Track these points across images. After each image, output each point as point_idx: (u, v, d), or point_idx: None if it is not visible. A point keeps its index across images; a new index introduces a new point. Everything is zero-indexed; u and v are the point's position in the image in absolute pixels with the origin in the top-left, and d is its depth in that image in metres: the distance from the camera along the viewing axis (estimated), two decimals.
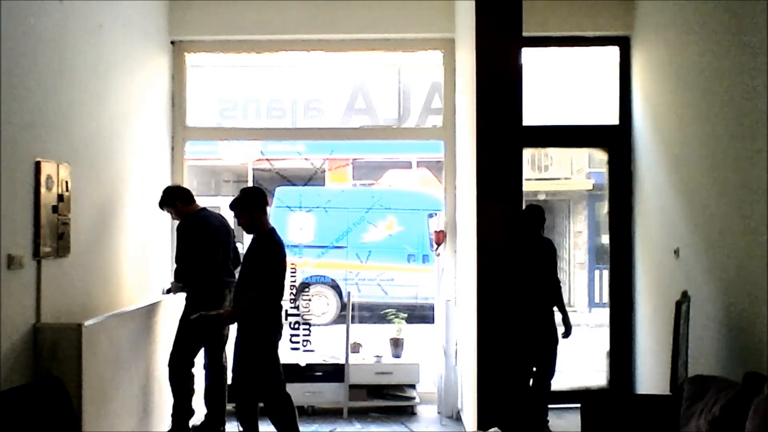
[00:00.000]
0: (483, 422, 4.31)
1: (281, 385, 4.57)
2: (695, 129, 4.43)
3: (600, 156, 6.63)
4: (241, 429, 4.57)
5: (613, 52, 5.88)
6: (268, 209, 4.72)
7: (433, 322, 6.54)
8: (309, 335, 6.18)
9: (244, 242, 9.09)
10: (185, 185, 5.75)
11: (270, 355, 4.53)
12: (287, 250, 4.71)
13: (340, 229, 9.98)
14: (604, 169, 6.10)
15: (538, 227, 5.31)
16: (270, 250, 4.52)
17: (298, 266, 6.49)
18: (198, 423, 5.09)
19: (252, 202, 4.59)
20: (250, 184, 11.43)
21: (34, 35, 3.74)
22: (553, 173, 13.09)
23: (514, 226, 4.76)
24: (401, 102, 6.93)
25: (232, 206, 4.63)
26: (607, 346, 5.96)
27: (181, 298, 5.03)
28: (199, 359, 5.05)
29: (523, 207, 4.90)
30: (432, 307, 6.75)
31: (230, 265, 5.16)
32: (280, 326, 4.67)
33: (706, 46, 4.24)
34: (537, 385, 5.15)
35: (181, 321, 4.93)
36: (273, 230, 4.63)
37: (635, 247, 5.73)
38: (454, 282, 6.03)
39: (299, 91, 7.81)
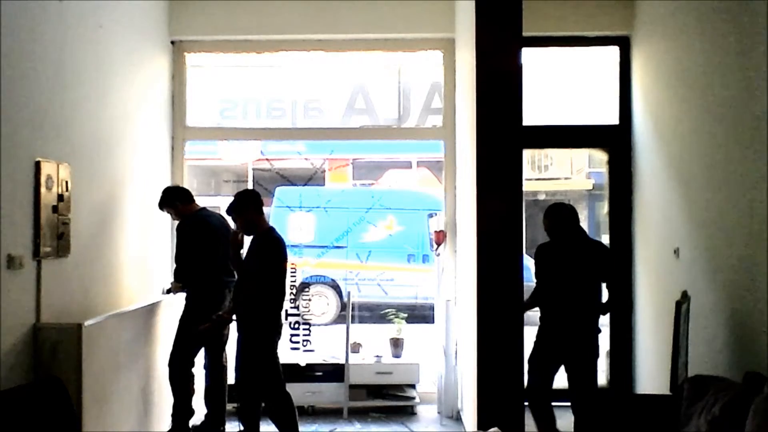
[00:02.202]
0: (483, 422, 4.31)
1: (281, 384, 4.57)
2: (695, 129, 4.43)
3: (600, 156, 6.62)
4: (242, 428, 4.57)
5: (613, 52, 5.88)
6: (265, 209, 4.71)
7: (433, 322, 6.54)
8: (309, 335, 6.18)
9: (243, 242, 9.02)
10: (185, 185, 5.75)
11: (269, 355, 4.53)
12: (287, 250, 4.71)
13: (340, 229, 9.95)
14: (604, 169, 6.10)
15: (566, 226, 4.69)
16: (268, 249, 4.53)
17: (298, 266, 6.49)
18: (198, 423, 5.10)
19: (247, 205, 4.58)
20: (250, 184, 11.44)
21: (34, 35, 3.74)
22: (553, 173, 13.10)
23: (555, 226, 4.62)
24: (401, 102, 6.93)
25: (229, 211, 4.62)
26: (607, 346, 5.95)
27: (181, 298, 5.03)
28: (199, 359, 5.05)
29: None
30: (432, 307, 6.75)
31: (230, 265, 5.16)
32: (280, 326, 4.67)
33: (706, 46, 4.24)
34: (572, 399, 4.65)
35: (181, 321, 4.93)
36: (272, 229, 4.63)
37: (635, 247, 5.73)
38: (454, 282, 6.03)
39: (299, 91, 7.80)
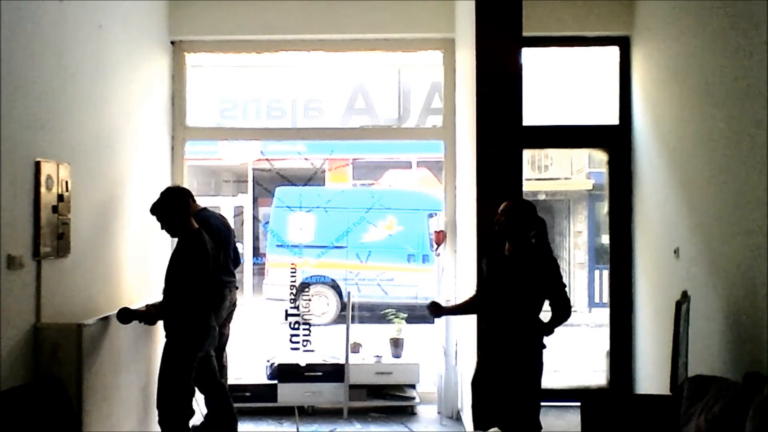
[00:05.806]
0: (482, 422, 4.30)
1: (188, 400, 4.42)
2: (695, 129, 4.43)
3: (600, 156, 6.63)
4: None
5: (613, 52, 5.87)
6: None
7: (433, 322, 6.54)
8: (309, 335, 6.18)
9: (244, 242, 9.04)
10: (185, 185, 5.75)
11: (186, 367, 4.35)
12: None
13: (340, 229, 9.98)
14: (604, 169, 6.10)
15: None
16: (193, 252, 4.32)
17: (298, 266, 6.50)
18: (198, 423, 5.09)
19: (176, 205, 4.38)
20: (250, 184, 11.45)
21: (34, 35, 3.74)
22: (553, 173, 13.10)
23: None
24: (401, 102, 6.94)
25: (153, 211, 4.38)
26: (607, 346, 5.96)
27: None
28: None
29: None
30: None
31: (230, 265, 5.16)
32: (207, 333, 4.43)
33: (706, 46, 4.24)
34: None
35: None
36: (200, 231, 4.43)
37: (635, 247, 5.72)
38: (454, 282, 6.03)
39: (299, 91, 7.81)
